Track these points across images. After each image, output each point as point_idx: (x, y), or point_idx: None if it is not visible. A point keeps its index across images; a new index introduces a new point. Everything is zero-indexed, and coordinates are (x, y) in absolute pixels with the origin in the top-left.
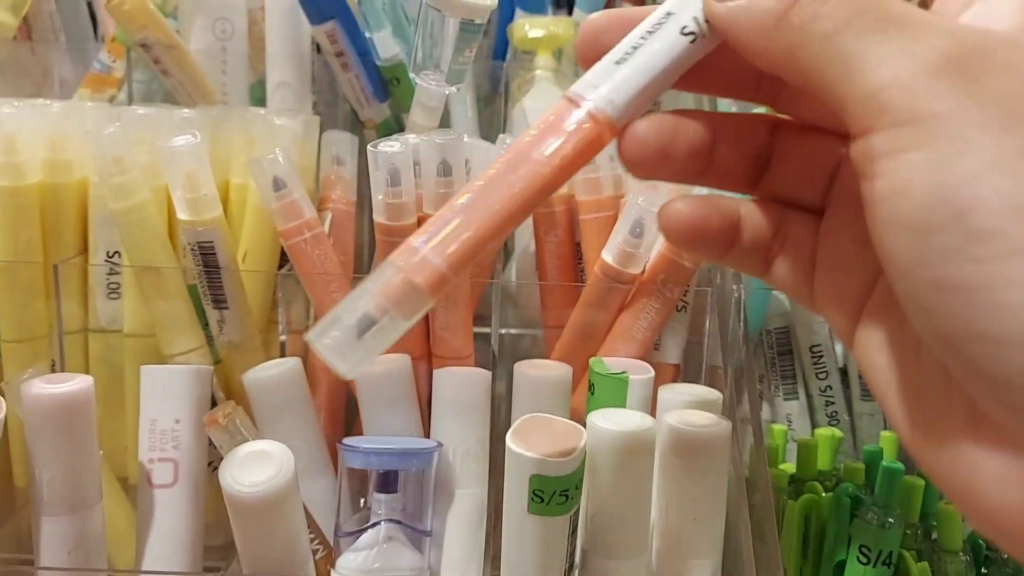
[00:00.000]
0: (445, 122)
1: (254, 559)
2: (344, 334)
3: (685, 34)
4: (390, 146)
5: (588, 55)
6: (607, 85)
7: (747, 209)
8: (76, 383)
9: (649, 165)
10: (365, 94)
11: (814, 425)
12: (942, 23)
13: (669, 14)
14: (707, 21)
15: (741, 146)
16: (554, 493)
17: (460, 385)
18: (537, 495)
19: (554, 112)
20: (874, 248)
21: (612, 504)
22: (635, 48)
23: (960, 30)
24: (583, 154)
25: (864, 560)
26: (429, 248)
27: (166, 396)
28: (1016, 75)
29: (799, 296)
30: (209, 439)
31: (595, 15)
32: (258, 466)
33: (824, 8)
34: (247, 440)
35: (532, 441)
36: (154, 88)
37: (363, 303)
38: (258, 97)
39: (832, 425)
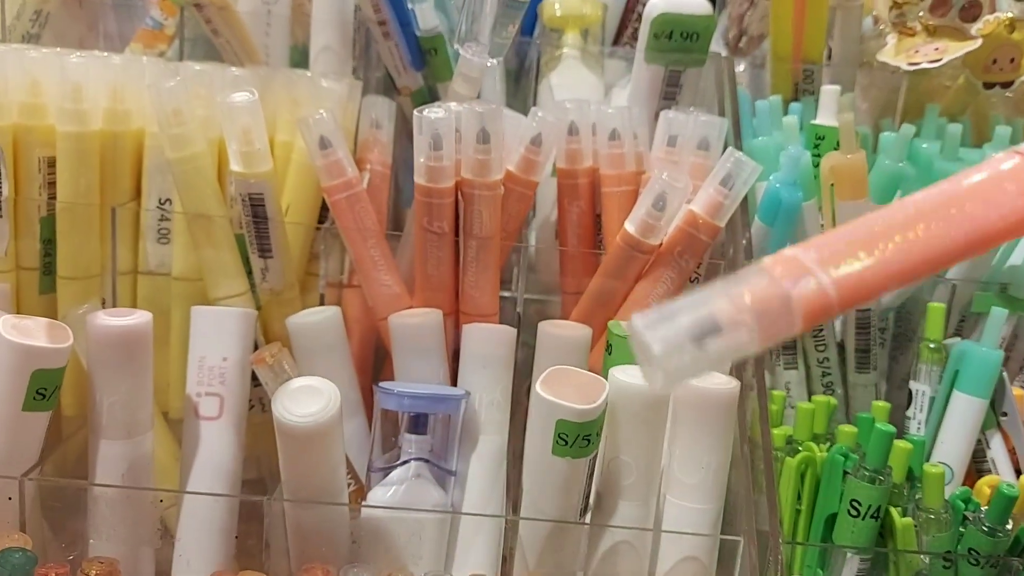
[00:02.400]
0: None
1: (297, 486)
2: (676, 334)
3: None
4: (434, 112)
5: None
6: None
7: None
8: (138, 316)
9: None
10: (403, 62)
11: (811, 394)
12: None
13: None
14: None
15: None
16: (577, 437)
17: (488, 340)
18: (562, 438)
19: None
20: None
21: (627, 451)
22: None
23: None
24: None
25: (854, 513)
26: (824, 272)
27: (215, 335)
28: None
29: None
30: (252, 378)
31: None
32: (308, 399)
33: None
34: (291, 378)
35: (559, 389)
36: (198, 48)
37: (713, 305)
38: (296, 61)
39: (828, 395)
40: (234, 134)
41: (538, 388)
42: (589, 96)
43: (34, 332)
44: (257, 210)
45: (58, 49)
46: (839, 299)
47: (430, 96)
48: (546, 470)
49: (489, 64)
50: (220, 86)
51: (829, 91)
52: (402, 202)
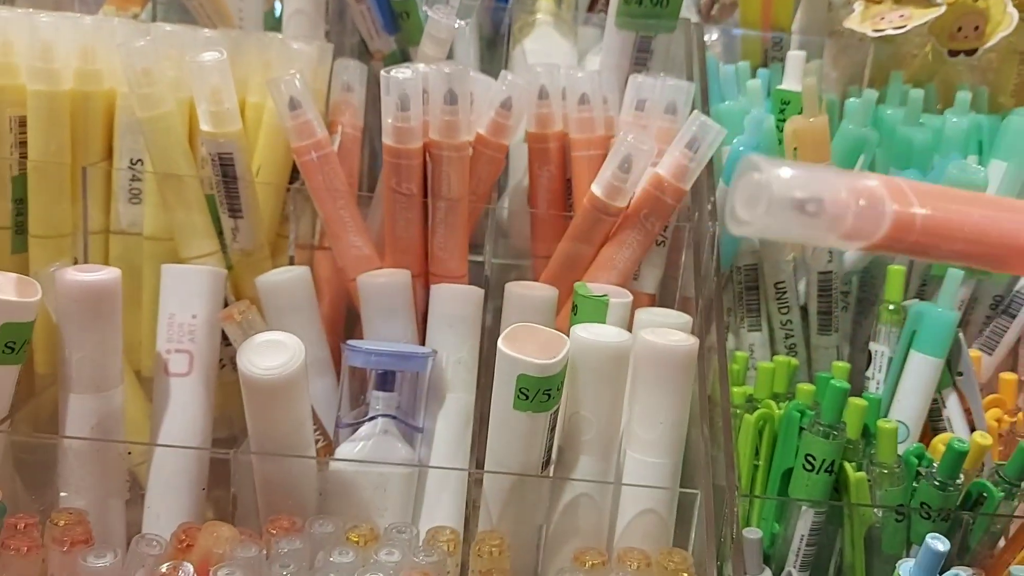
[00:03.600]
0: (449, 59)
1: (263, 439)
2: (781, 195)
3: None
4: (402, 72)
5: None
6: None
7: None
8: (106, 272)
9: None
10: (376, 26)
11: (774, 355)
12: None
13: None
14: None
15: None
16: (538, 392)
17: (455, 300)
18: (523, 393)
19: None
20: None
21: (588, 407)
22: None
23: None
24: None
25: (809, 467)
26: (919, 205)
27: (185, 292)
28: None
29: None
30: (222, 335)
31: None
32: (273, 353)
33: None
34: None
35: (521, 345)
36: (172, 13)
37: (833, 183)
38: (270, 26)
39: (790, 356)
40: (203, 93)
41: (501, 344)
42: (561, 62)
43: (3, 286)
44: (227, 169)
45: (29, 9)
46: (921, 229)
47: (403, 59)
48: (508, 424)
49: (457, 25)
50: (191, 47)
51: (794, 57)
52: (377, 167)
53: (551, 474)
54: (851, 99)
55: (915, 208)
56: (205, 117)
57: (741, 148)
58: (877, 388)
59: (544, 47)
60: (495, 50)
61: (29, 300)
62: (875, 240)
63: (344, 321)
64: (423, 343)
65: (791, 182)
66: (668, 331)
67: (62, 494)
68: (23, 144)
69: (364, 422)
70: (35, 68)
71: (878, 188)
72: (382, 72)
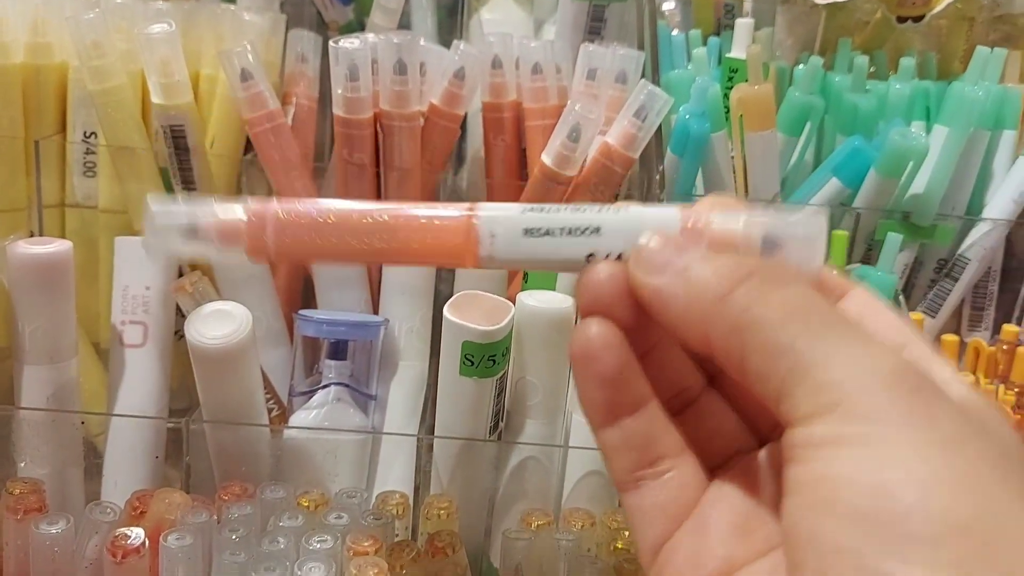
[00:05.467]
0: (406, 29)
1: (214, 408)
2: (168, 226)
3: (587, 260)
4: (350, 43)
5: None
6: (503, 226)
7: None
8: (57, 245)
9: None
10: None
11: None
12: (886, 343)
13: (597, 230)
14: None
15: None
16: (483, 358)
17: (407, 269)
18: (468, 359)
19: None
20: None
21: (534, 372)
22: (545, 233)
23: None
24: (438, 234)
25: None
26: (274, 215)
27: (138, 264)
28: (966, 419)
29: (642, 539)
30: (176, 306)
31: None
32: (221, 323)
33: (771, 296)
34: None
35: (466, 313)
36: None
37: (201, 212)
38: None
39: None
40: (153, 65)
41: (446, 311)
42: (518, 32)
43: None
44: (179, 142)
45: None
46: (275, 247)
47: (360, 30)
48: (455, 390)
49: None
50: (142, 19)
51: (743, 24)
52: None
53: (501, 438)
54: (799, 66)
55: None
56: (156, 89)
57: (687, 116)
58: None
59: (501, 17)
60: (454, 20)
61: None
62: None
63: (300, 291)
64: (376, 311)
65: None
66: None
67: (20, 464)
68: None
69: (317, 390)
70: None
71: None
72: (331, 43)
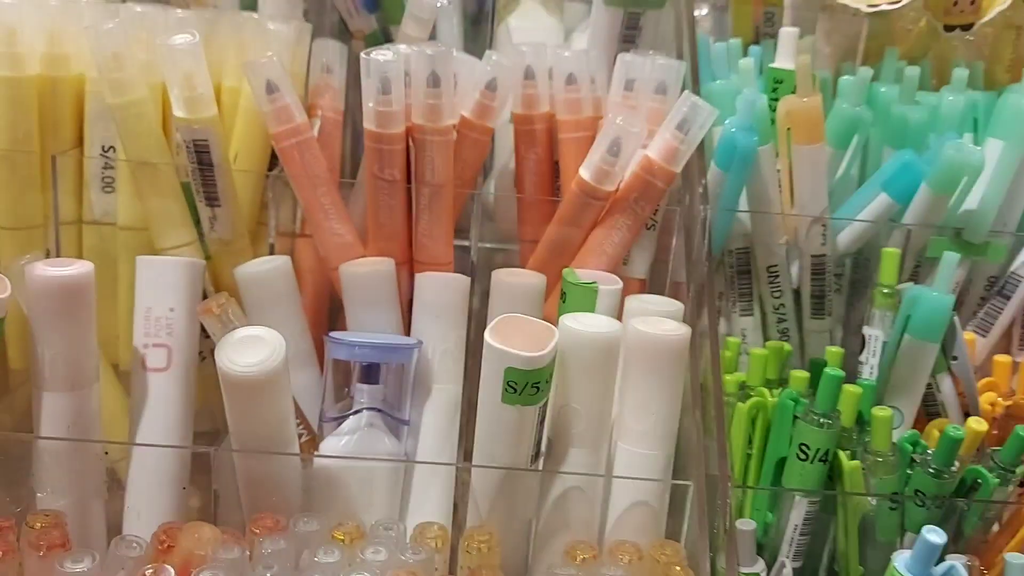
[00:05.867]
0: (432, 38)
1: (245, 436)
2: None
3: None
4: (382, 55)
5: None
6: None
7: None
8: (79, 267)
9: None
10: (355, 4)
11: (767, 340)
12: None
13: None
14: None
15: None
16: (526, 385)
17: (441, 289)
18: (511, 386)
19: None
20: None
21: (578, 399)
22: None
23: None
24: None
25: (803, 456)
26: None
27: (162, 285)
28: None
29: None
30: (201, 328)
31: None
32: (252, 349)
33: None
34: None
35: (508, 337)
36: None
37: None
38: (246, 4)
39: (783, 341)
40: (176, 78)
41: (487, 336)
42: (548, 40)
43: None
44: (202, 157)
45: None
46: None
47: (384, 39)
48: (496, 418)
49: (440, 4)
50: (162, 29)
51: (787, 33)
52: (360, 150)
53: (541, 467)
54: (845, 77)
55: None
56: (179, 103)
57: (733, 129)
58: (871, 373)
59: (529, 24)
60: (479, 28)
61: None
62: None
63: (327, 310)
64: (407, 332)
65: None
66: (660, 320)
67: (39, 495)
68: None
69: (349, 415)
70: None
71: None
72: (362, 55)
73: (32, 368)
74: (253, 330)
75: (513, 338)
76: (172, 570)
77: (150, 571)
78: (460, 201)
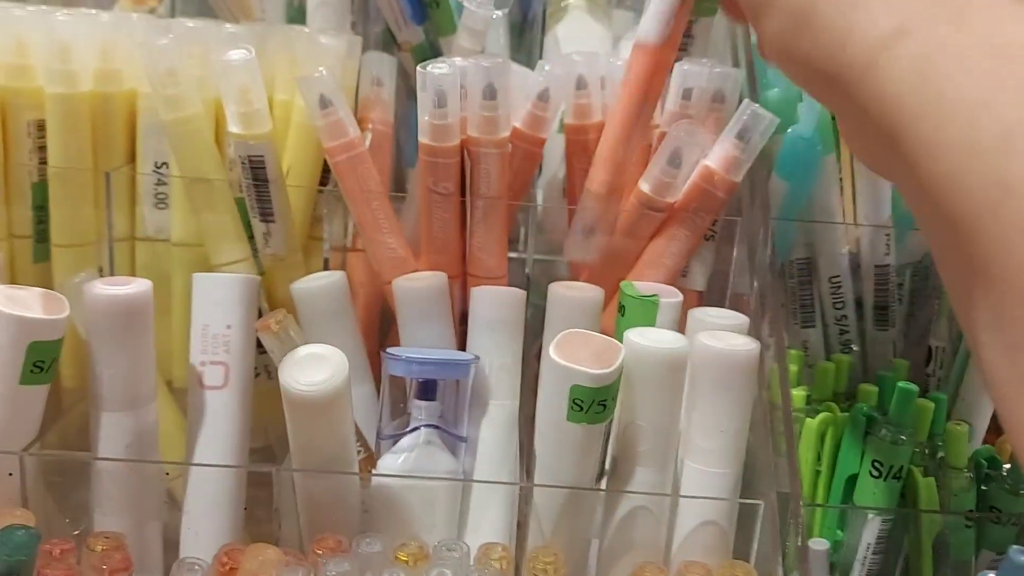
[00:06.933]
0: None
1: (307, 455)
2: None
3: None
4: (438, 67)
5: None
6: None
7: None
8: (137, 285)
9: None
10: (403, 15)
11: (829, 352)
12: None
13: None
14: None
15: None
16: (593, 403)
17: (496, 303)
18: (577, 404)
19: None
20: None
21: (644, 416)
22: None
23: None
24: None
25: (876, 474)
26: None
27: (218, 302)
28: None
29: None
30: (257, 345)
31: None
32: (316, 367)
33: None
34: (297, 345)
35: (572, 353)
36: (190, 5)
37: None
38: (292, 17)
39: (845, 353)
40: (231, 94)
41: (551, 353)
42: (597, 48)
43: (29, 303)
44: (257, 173)
45: (43, 7)
46: None
47: (432, 51)
48: (561, 436)
49: (495, 16)
50: (215, 44)
51: None
52: (403, 161)
53: (605, 486)
54: None
55: None
56: (234, 119)
57: (797, 138)
58: (939, 385)
59: (578, 33)
60: (523, 37)
61: (57, 317)
62: None
63: (379, 324)
64: (461, 347)
65: None
66: (728, 334)
67: (96, 516)
68: (42, 149)
69: (406, 433)
70: (52, 70)
71: None
72: (418, 68)
73: (90, 388)
74: (315, 348)
75: (578, 354)
76: None
77: None
78: (511, 213)
